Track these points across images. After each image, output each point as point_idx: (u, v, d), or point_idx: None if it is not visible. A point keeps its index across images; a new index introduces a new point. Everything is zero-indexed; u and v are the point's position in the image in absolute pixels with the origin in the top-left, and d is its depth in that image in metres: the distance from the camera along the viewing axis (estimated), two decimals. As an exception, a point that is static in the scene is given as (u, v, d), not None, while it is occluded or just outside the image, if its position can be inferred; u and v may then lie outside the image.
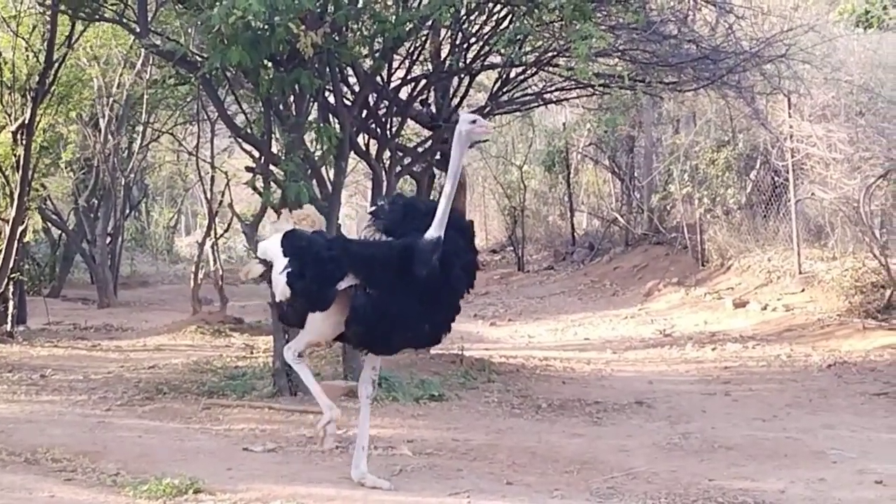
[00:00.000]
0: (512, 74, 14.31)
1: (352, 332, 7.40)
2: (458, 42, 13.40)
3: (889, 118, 17.08)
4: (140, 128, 24.64)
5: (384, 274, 7.22)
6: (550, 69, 14.60)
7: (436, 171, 15.59)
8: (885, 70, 18.12)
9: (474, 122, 7.52)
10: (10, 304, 17.37)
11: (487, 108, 14.51)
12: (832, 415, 11.23)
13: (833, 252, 19.49)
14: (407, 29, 11.42)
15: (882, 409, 11.59)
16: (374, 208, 8.07)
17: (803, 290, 18.93)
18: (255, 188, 12.14)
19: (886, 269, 16.68)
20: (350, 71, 13.04)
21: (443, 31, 13.55)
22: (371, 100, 13.32)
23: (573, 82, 14.40)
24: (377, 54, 12.12)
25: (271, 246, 7.80)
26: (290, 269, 7.43)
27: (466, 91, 14.84)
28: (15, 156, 16.41)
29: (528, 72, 14.42)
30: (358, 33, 11.63)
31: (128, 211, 27.46)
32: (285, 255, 7.52)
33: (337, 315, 7.37)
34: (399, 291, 7.19)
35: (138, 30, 12.47)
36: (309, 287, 7.35)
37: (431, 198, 15.76)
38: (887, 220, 17.65)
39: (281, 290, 7.55)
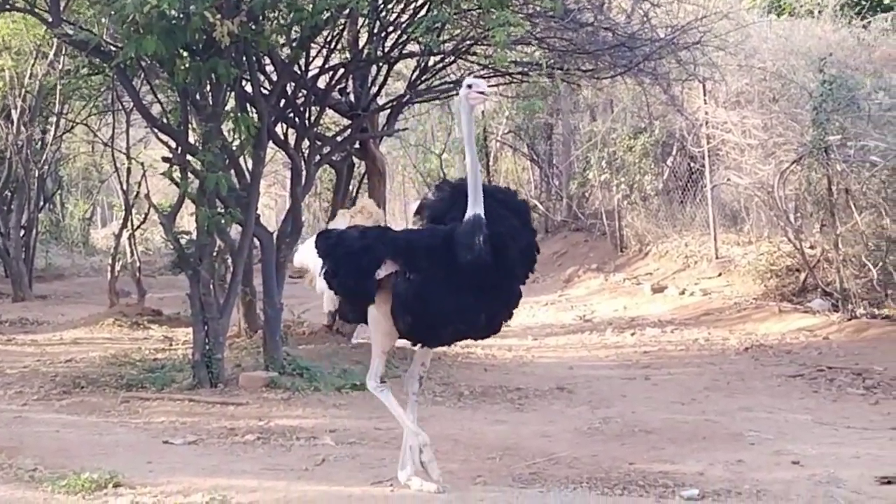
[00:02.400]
0: (430, 63, 14.29)
1: (398, 321, 6.95)
2: (375, 31, 13.36)
3: (801, 104, 17.28)
4: (53, 119, 24.24)
5: (426, 258, 6.79)
6: (469, 57, 14.63)
7: (355, 160, 15.56)
8: (798, 56, 18.35)
9: (470, 86, 7.03)
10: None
11: (406, 97, 14.52)
12: (749, 397, 11.39)
13: (749, 237, 19.80)
14: (324, 17, 11.34)
15: (798, 390, 11.76)
16: (420, 202, 7.58)
17: (720, 275, 19.20)
18: (172, 179, 12.01)
19: (801, 253, 16.93)
20: (267, 60, 12.98)
21: (360, 20, 13.52)
22: (289, 89, 13.27)
23: (491, 70, 14.43)
24: (294, 43, 12.06)
25: (306, 253, 7.53)
26: (325, 269, 7.11)
27: (385, 80, 14.81)
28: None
29: (447, 60, 14.43)
30: (275, 22, 11.51)
31: (42, 203, 26.93)
32: (319, 257, 7.20)
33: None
34: (446, 278, 6.75)
35: (51, 19, 12.25)
36: (345, 282, 7.03)
37: (351, 188, 15.79)
38: (801, 205, 17.88)
39: (324, 293, 7.29)
